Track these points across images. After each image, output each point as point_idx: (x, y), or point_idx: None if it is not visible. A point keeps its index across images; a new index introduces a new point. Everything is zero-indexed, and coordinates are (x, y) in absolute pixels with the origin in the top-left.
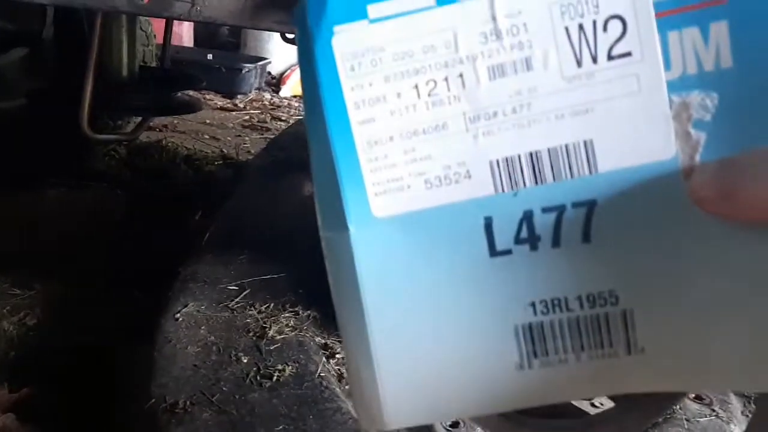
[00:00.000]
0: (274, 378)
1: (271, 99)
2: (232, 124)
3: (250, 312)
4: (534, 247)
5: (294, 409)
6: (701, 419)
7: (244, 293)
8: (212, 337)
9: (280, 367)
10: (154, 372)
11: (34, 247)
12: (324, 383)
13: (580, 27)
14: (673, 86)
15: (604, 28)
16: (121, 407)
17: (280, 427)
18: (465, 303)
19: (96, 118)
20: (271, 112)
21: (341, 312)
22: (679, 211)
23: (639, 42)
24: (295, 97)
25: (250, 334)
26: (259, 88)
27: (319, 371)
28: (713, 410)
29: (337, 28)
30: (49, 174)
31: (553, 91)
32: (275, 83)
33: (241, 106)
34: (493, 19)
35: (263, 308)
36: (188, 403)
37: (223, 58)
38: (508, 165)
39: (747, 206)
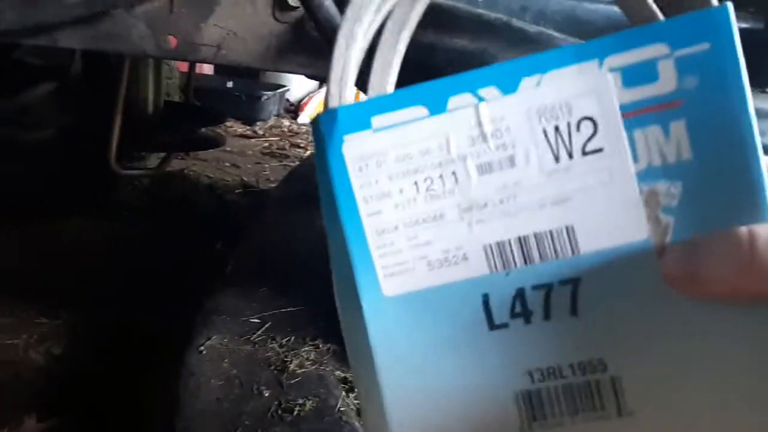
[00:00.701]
0: (295, 412)
1: (290, 126)
2: (251, 152)
3: (272, 345)
4: (528, 320)
5: None
6: None
7: (266, 326)
8: (235, 371)
9: (300, 401)
10: (178, 406)
11: (59, 277)
12: (344, 418)
13: (556, 128)
14: (641, 177)
15: (578, 129)
16: None
17: None
18: (468, 371)
19: (124, 152)
20: (290, 139)
21: (357, 378)
22: (654, 287)
23: (608, 139)
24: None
25: (272, 368)
26: (278, 115)
27: (338, 406)
28: None
29: (346, 137)
30: (74, 204)
31: (535, 184)
32: (294, 110)
33: (261, 133)
34: (479, 124)
35: (284, 341)
36: None
37: (242, 85)
38: (499, 248)
39: (708, 285)
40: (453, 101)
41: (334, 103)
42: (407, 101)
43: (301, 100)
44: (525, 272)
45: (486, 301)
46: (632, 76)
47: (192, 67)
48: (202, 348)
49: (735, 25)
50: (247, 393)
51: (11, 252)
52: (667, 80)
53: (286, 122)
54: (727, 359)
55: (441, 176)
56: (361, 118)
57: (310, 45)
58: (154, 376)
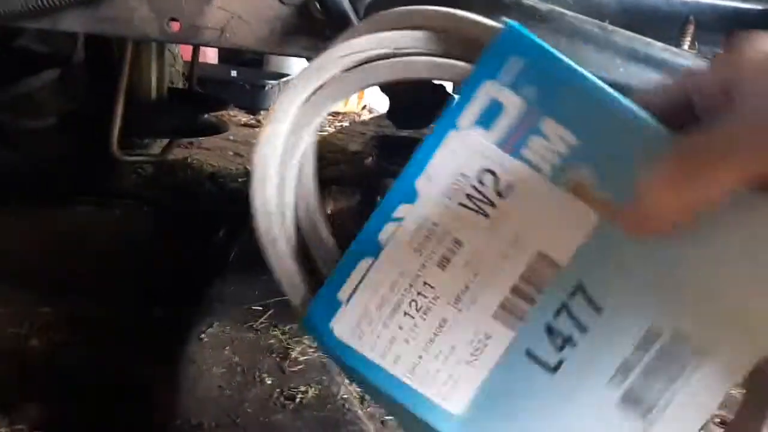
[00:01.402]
0: (297, 400)
1: None
2: (255, 140)
3: (274, 333)
4: (573, 344)
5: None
6: None
7: (268, 313)
8: (236, 358)
9: (303, 388)
10: (179, 393)
11: (61, 265)
12: (346, 405)
13: (468, 196)
14: (554, 179)
15: (482, 183)
16: (148, 427)
17: None
18: (568, 418)
19: (126, 138)
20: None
21: None
22: (634, 245)
23: (509, 173)
24: None
25: (274, 355)
26: None
27: (341, 393)
28: None
29: (332, 325)
30: (77, 192)
31: (488, 243)
32: None
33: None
34: (412, 239)
35: (286, 329)
36: (213, 424)
37: (246, 74)
38: (504, 309)
39: (662, 220)
40: (382, 236)
41: (303, 308)
42: (351, 263)
43: None
44: (539, 310)
45: (532, 354)
46: (487, 119)
47: (195, 53)
48: (203, 336)
49: (523, 29)
50: (248, 380)
51: (13, 240)
52: (513, 104)
53: None
54: (728, 263)
55: (419, 293)
56: (330, 302)
57: (315, 28)
58: (157, 364)
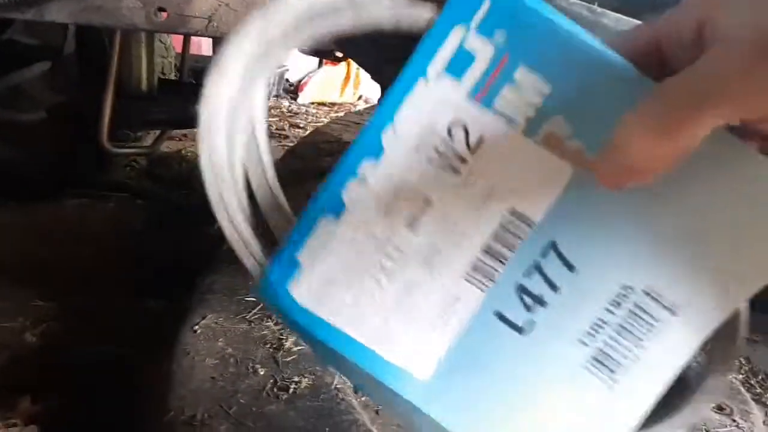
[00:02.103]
0: (291, 390)
1: (289, 106)
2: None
3: (267, 324)
4: (543, 303)
5: (310, 422)
6: (721, 429)
7: (261, 305)
8: (230, 349)
9: (296, 379)
10: (172, 384)
11: (55, 258)
12: (340, 395)
13: (436, 150)
14: (527, 131)
15: (452, 138)
16: (141, 419)
17: None
18: (535, 379)
19: (117, 130)
20: (289, 120)
21: None
22: (609, 199)
23: (480, 125)
24: (312, 104)
25: (267, 346)
26: (276, 96)
27: (335, 383)
28: (734, 420)
29: (290, 287)
30: (71, 185)
31: (456, 201)
32: (293, 90)
33: None
34: (378, 197)
35: (280, 320)
36: (206, 415)
37: None
38: (475, 269)
39: (640, 170)
40: (346, 194)
41: (257, 273)
42: (311, 222)
43: (300, 81)
44: (509, 270)
45: (501, 315)
46: (457, 68)
47: (186, 44)
48: (196, 327)
49: None
50: (242, 371)
51: (6, 234)
52: (483, 50)
53: (285, 102)
54: (702, 217)
55: (386, 255)
56: (288, 264)
57: None
58: (150, 357)
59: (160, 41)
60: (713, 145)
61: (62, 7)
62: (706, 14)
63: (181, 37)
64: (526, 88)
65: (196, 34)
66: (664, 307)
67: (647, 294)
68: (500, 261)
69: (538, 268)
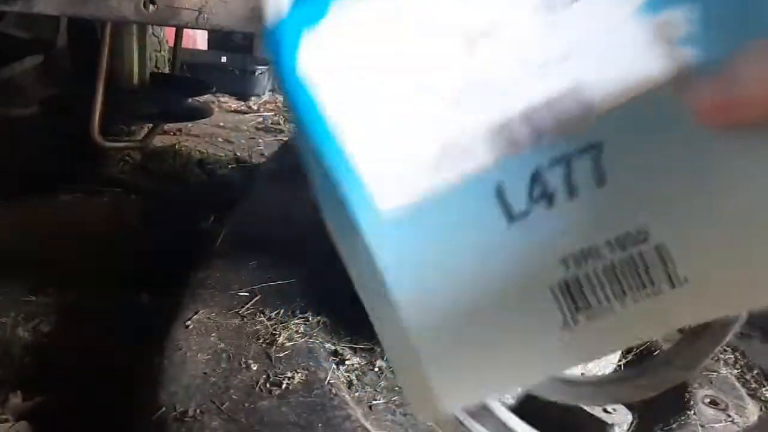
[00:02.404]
0: (284, 386)
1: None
2: (245, 127)
3: (260, 319)
4: (550, 202)
5: (303, 417)
6: (716, 425)
7: (255, 299)
8: (222, 345)
9: (289, 374)
10: (164, 380)
11: (48, 254)
12: (333, 390)
13: None
14: (645, 8)
15: None
16: (133, 415)
17: None
18: (496, 276)
19: (108, 125)
20: (285, 114)
21: (373, 313)
22: (685, 132)
23: None
24: None
25: (260, 341)
26: (272, 90)
27: (328, 378)
28: (728, 415)
29: (303, 39)
30: (64, 180)
31: (529, 45)
32: None
33: (255, 108)
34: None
35: (273, 315)
36: (198, 411)
37: (236, 60)
38: (503, 129)
39: (749, 108)
40: None
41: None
42: None
43: None
44: (537, 149)
45: (500, 191)
46: None
47: (178, 37)
48: (189, 322)
49: None
50: (234, 367)
51: None
52: None
53: (280, 97)
54: None
55: (426, 52)
56: (313, 7)
57: None
58: (142, 353)
59: (154, 35)
60: None
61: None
62: None
63: (173, 31)
64: None
65: (186, 26)
66: (667, 273)
67: (658, 250)
68: (536, 135)
69: (567, 164)
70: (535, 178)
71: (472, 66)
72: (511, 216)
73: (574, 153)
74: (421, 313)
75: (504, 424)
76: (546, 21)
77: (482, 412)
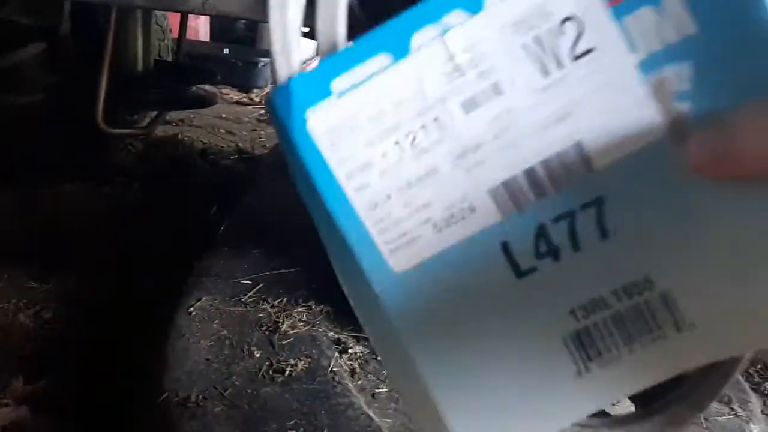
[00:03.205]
0: (287, 373)
1: None
2: (247, 118)
3: (263, 306)
4: (556, 257)
5: (306, 404)
6: (720, 418)
7: (258, 287)
8: (225, 332)
9: (292, 361)
10: (167, 366)
11: (50, 241)
12: (336, 378)
13: (536, 39)
14: (644, 67)
15: (561, 33)
16: (135, 401)
17: (292, 421)
18: (507, 329)
19: (113, 113)
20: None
21: (387, 360)
22: (683, 184)
23: (598, 35)
24: None
25: (263, 329)
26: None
27: (331, 366)
28: (732, 409)
29: (309, 113)
30: (67, 169)
31: (529, 106)
32: None
33: (257, 100)
34: (451, 57)
35: (276, 303)
36: (200, 397)
37: (239, 52)
38: (507, 188)
39: (744, 162)
40: (417, 39)
41: (283, 76)
42: (366, 52)
43: None
44: (541, 207)
45: (506, 248)
46: None
47: (183, 27)
48: (192, 309)
49: None
50: (237, 353)
51: (2, 217)
52: None
53: None
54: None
55: (423, 126)
56: (319, 85)
57: None
58: (144, 340)
59: (157, 24)
60: None
61: None
62: None
63: (178, 22)
64: (669, 18)
65: (193, 12)
66: (673, 319)
67: (663, 298)
68: (537, 193)
69: (571, 220)
70: (540, 234)
71: (473, 129)
72: (519, 271)
73: (577, 208)
74: (436, 365)
75: None
76: (545, 82)
77: None
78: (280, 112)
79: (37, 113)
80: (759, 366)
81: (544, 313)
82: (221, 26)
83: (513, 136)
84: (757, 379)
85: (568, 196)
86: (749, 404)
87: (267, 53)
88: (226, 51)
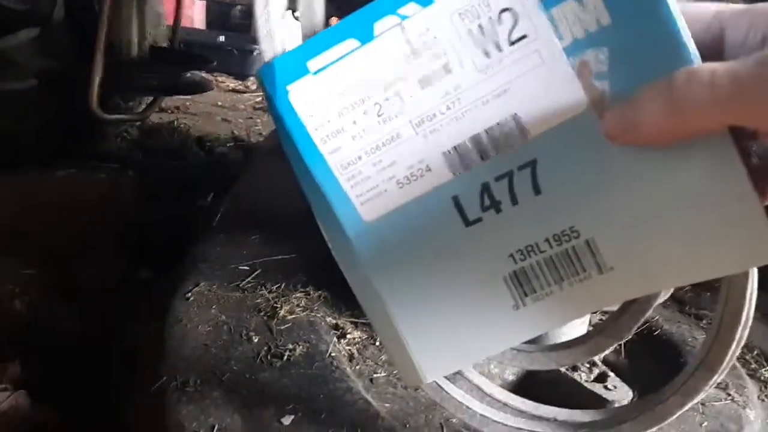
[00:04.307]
0: (285, 357)
1: None
2: (243, 106)
3: (261, 292)
4: (498, 210)
5: (304, 389)
6: (716, 403)
7: (255, 273)
8: (223, 317)
9: (290, 346)
10: (164, 351)
11: (45, 228)
12: (335, 363)
13: (480, 26)
14: (569, 51)
15: (499, 21)
16: (132, 387)
17: (290, 406)
18: (458, 269)
19: (108, 99)
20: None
21: (364, 303)
22: (602, 149)
23: (531, 24)
24: None
25: (261, 314)
26: None
27: (329, 351)
28: (729, 394)
29: (290, 87)
30: (61, 155)
31: (474, 83)
32: None
33: (253, 87)
34: (408, 42)
35: (274, 288)
36: (198, 382)
37: (234, 40)
38: (457, 152)
39: (641, 131)
40: (378, 26)
41: (268, 57)
42: (336, 38)
43: None
44: (485, 167)
45: (457, 202)
46: None
47: (178, 13)
48: (189, 294)
49: None
50: (235, 339)
51: None
52: None
53: None
54: (671, 199)
55: (387, 99)
56: (297, 65)
57: None
58: (142, 323)
59: (153, 9)
60: (711, 142)
61: None
62: None
63: (173, 9)
64: (589, 10)
65: None
66: (596, 262)
67: (588, 244)
68: (482, 156)
69: (510, 178)
70: (484, 190)
71: (428, 102)
72: (467, 221)
73: (515, 169)
74: (401, 301)
75: (477, 387)
76: (486, 62)
77: (458, 378)
78: (266, 86)
79: (29, 99)
80: (755, 352)
81: (488, 257)
82: (217, 14)
83: (461, 108)
84: (753, 365)
85: (508, 158)
86: (745, 390)
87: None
88: (221, 39)
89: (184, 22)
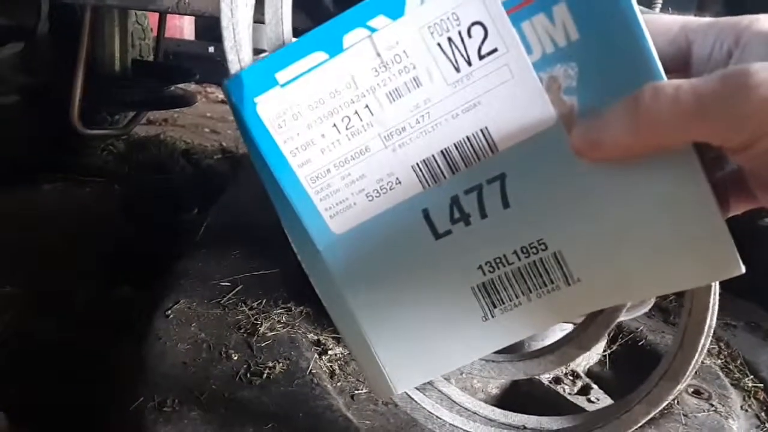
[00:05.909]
0: (264, 375)
1: None
2: (232, 118)
3: (242, 308)
4: (467, 222)
5: (284, 407)
6: (699, 414)
7: (237, 289)
8: (203, 335)
9: (270, 364)
10: (142, 370)
11: (29, 244)
12: (315, 380)
13: (449, 40)
14: (538, 66)
15: (469, 35)
16: (111, 405)
17: (269, 425)
18: (428, 281)
19: (95, 113)
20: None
21: (334, 316)
22: (570, 163)
23: (500, 38)
24: None
25: (241, 331)
26: None
27: (310, 368)
28: (712, 405)
29: (257, 100)
30: (45, 169)
31: (443, 97)
32: None
33: None
34: (378, 55)
35: (255, 304)
36: (176, 401)
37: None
38: (426, 165)
39: (606, 148)
40: (348, 39)
41: (235, 69)
42: (305, 50)
43: None
44: (455, 180)
45: (427, 215)
46: None
47: (162, 25)
48: (169, 312)
49: None
50: (215, 356)
51: None
52: None
53: None
54: (637, 214)
55: (356, 112)
56: (265, 77)
57: None
58: (121, 342)
59: (138, 23)
60: (676, 157)
61: None
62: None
63: (158, 20)
64: (558, 26)
65: (167, 11)
66: (564, 274)
67: (555, 256)
68: (451, 169)
69: (479, 192)
70: (454, 203)
71: (397, 115)
72: (437, 233)
73: (484, 182)
74: (370, 312)
75: (447, 396)
76: (456, 77)
77: (428, 388)
78: (234, 99)
79: (13, 114)
80: (738, 362)
81: (457, 268)
82: (206, 25)
83: (431, 121)
84: (737, 375)
85: (477, 172)
86: (729, 400)
87: (255, 52)
88: (211, 49)
89: (174, 33)
